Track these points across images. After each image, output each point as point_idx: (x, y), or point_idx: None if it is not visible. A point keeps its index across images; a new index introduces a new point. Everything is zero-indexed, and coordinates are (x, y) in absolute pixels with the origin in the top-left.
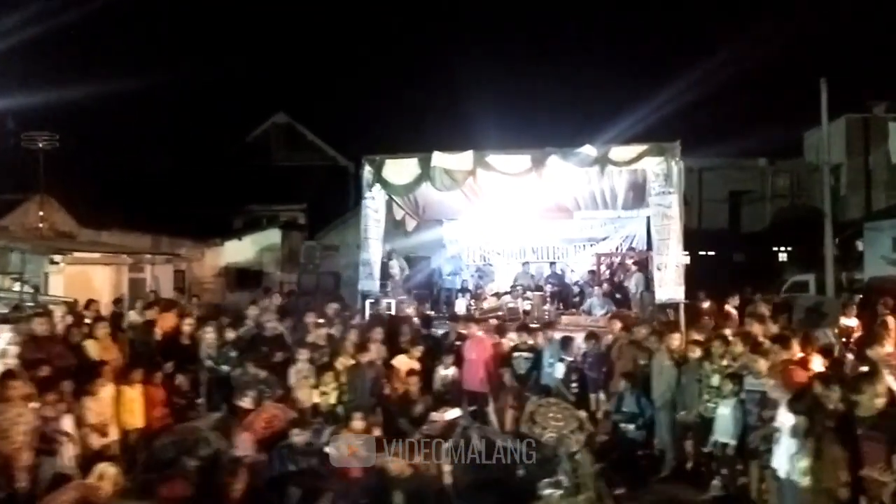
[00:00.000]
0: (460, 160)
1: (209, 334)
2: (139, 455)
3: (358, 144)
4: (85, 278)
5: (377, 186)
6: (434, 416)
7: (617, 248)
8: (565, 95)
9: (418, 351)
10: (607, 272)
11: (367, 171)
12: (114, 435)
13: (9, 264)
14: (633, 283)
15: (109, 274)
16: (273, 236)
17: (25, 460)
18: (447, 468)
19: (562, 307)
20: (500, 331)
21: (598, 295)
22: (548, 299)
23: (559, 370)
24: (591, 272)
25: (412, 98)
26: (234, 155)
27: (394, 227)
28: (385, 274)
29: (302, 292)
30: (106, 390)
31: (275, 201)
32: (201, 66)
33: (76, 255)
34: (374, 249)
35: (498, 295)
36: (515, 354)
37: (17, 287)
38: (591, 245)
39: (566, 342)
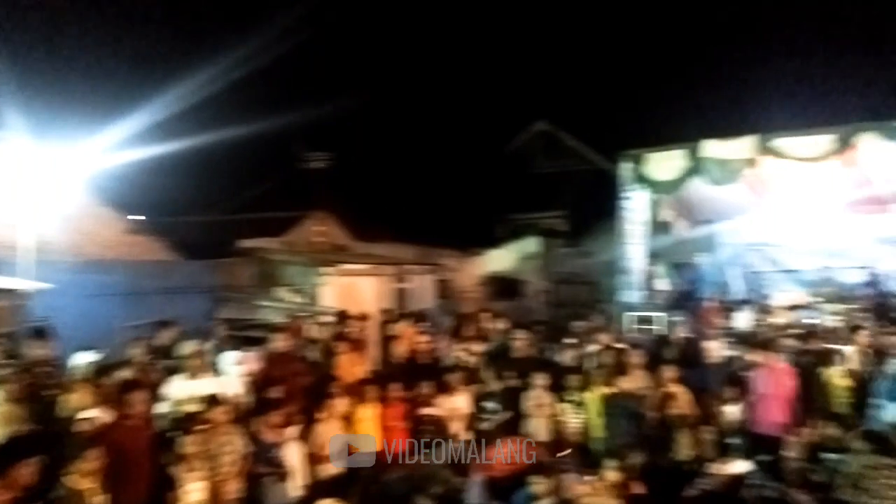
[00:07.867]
0: (738, 148)
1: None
2: (369, 488)
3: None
4: (353, 289)
5: (639, 186)
6: (713, 467)
7: None
8: (871, 57)
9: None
10: None
11: (626, 169)
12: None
13: (288, 276)
14: None
15: (376, 285)
16: (533, 245)
17: (235, 492)
18: None
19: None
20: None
21: None
22: (861, 314)
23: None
24: None
25: (675, 85)
26: (496, 164)
27: (658, 231)
28: (649, 284)
29: (557, 303)
30: (337, 412)
31: (534, 209)
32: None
33: (345, 266)
34: (634, 256)
35: (791, 308)
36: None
37: (294, 298)
38: None
39: None
